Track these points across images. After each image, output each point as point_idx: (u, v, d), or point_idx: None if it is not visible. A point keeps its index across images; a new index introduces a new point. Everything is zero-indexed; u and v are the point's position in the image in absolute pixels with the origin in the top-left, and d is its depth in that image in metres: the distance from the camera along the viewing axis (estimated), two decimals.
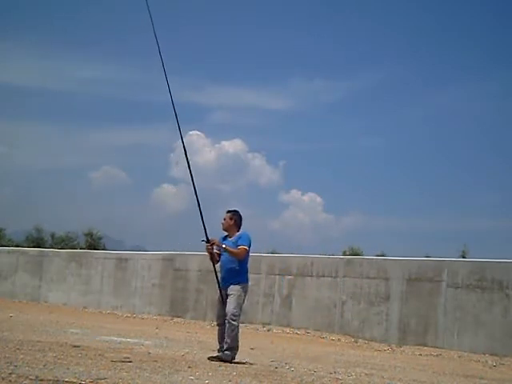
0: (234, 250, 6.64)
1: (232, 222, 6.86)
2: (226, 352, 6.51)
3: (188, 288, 13.26)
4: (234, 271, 6.71)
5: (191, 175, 6.67)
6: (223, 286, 6.74)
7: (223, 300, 6.71)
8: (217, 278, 6.73)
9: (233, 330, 6.59)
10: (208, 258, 6.85)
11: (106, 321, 11.71)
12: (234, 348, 6.59)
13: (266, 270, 12.16)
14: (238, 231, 6.87)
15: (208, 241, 6.65)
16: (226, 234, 6.87)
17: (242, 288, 6.68)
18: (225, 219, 6.89)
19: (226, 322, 6.56)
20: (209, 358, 6.47)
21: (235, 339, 6.61)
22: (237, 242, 6.74)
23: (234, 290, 6.64)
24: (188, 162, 6.68)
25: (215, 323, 6.90)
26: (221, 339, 6.67)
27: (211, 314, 12.78)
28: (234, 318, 6.65)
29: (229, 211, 6.98)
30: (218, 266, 6.85)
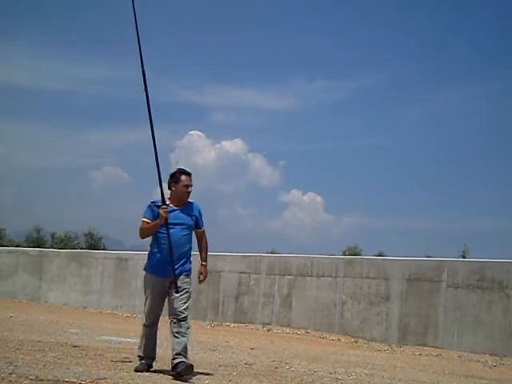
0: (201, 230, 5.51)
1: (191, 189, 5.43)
2: (185, 360, 5.08)
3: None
4: (188, 256, 5.37)
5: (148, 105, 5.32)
6: (166, 274, 5.15)
7: (167, 292, 5.24)
8: (172, 261, 5.13)
9: (187, 331, 5.22)
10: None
11: (106, 321, 11.71)
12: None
13: (265, 270, 12.17)
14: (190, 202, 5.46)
15: (164, 203, 5.18)
16: (159, 202, 5.22)
17: (191, 281, 5.36)
18: (191, 185, 5.39)
19: (175, 321, 5.16)
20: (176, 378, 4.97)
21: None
22: (192, 216, 5.37)
23: (186, 282, 5.28)
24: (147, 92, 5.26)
25: (145, 322, 5.41)
26: (153, 345, 5.37)
27: (211, 314, 12.79)
28: (187, 319, 5.25)
29: (186, 172, 5.43)
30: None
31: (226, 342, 8.77)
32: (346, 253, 28.18)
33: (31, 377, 4.45)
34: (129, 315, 13.63)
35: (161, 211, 5.15)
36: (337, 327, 11.07)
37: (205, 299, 12.98)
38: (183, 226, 5.30)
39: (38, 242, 28.92)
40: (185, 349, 5.14)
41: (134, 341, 7.93)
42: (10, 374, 4.50)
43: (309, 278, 11.63)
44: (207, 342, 8.51)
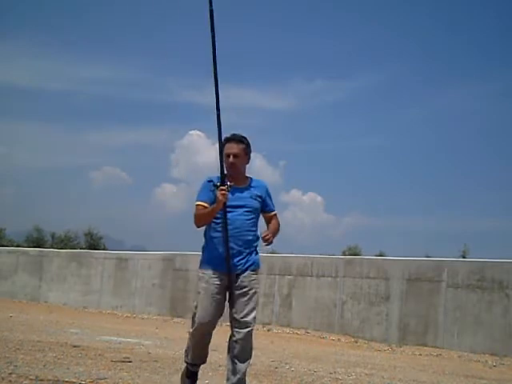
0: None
1: (245, 161, 4.15)
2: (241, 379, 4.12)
3: (188, 288, 13.25)
4: (253, 246, 4.11)
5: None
6: (226, 269, 3.99)
7: (227, 293, 4.05)
8: (228, 252, 3.97)
9: (250, 342, 4.17)
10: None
11: (106, 321, 11.71)
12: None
13: (266, 270, 12.16)
14: (247, 177, 4.19)
15: (223, 182, 3.94)
16: (214, 180, 4.03)
17: (258, 277, 4.17)
18: (236, 155, 4.04)
19: (235, 337, 4.10)
20: None
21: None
22: (257, 197, 4.13)
23: (253, 281, 4.06)
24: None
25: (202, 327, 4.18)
26: (204, 356, 4.45)
27: None
28: (252, 332, 4.14)
29: (234, 138, 4.10)
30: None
31: (226, 342, 8.76)
32: (346, 253, 28.20)
33: (31, 377, 4.45)
34: (129, 315, 13.64)
35: (218, 193, 3.91)
36: (337, 327, 11.07)
37: None
38: (245, 209, 4.05)
39: (38, 242, 28.92)
40: (242, 381, 4.07)
41: (134, 341, 7.94)
42: (10, 373, 4.51)
43: (309, 277, 11.63)
44: None
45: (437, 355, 9.18)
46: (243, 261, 4.04)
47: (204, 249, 4.18)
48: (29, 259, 16.78)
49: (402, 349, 9.76)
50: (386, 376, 6.30)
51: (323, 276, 11.46)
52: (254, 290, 4.07)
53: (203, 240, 4.22)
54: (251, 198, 4.10)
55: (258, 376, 5.50)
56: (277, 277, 12.03)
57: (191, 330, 4.26)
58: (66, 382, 4.42)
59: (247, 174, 4.23)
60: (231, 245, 3.98)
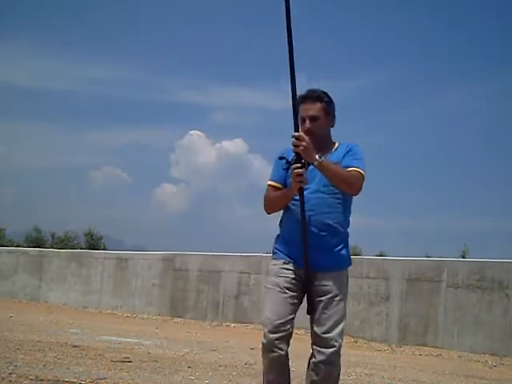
0: (343, 172, 3.02)
1: (328, 123, 3.18)
2: None
3: (188, 288, 13.26)
4: (338, 235, 3.09)
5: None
6: (306, 265, 3.02)
7: (306, 299, 3.13)
8: (305, 244, 2.99)
9: (336, 365, 3.11)
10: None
11: (106, 321, 11.72)
12: None
13: (266, 270, 12.16)
14: (333, 143, 3.21)
15: (299, 159, 2.91)
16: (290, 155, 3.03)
17: (347, 279, 3.17)
18: (313, 118, 3.10)
19: (316, 359, 3.05)
20: None
21: None
22: (341, 158, 3.11)
23: (340, 284, 3.09)
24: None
25: (267, 342, 3.02)
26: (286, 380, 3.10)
27: (211, 314, 12.78)
28: (339, 349, 3.08)
29: (311, 96, 3.15)
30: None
31: (226, 341, 8.77)
32: None
33: (31, 377, 4.45)
34: (129, 315, 13.64)
35: (293, 173, 2.92)
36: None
37: (205, 299, 12.98)
38: (324, 183, 3.03)
39: (37, 242, 28.91)
40: None
41: (134, 341, 7.94)
42: (10, 373, 4.51)
43: None
44: (207, 341, 8.51)
45: (437, 355, 9.18)
46: (325, 255, 3.03)
47: (277, 236, 3.29)
48: (29, 259, 16.77)
49: (402, 349, 9.76)
50: (385, 376, 6.30)
51: None
52: (339, 297, 3.06)
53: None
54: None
55: (258, 376, 5.50)
56: None
57: (262, 346, 3.04)
58: (66, 382, 4.42)
59: (334, 140, 3.22)
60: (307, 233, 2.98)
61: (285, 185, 3.15)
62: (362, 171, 3.06)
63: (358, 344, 10.18)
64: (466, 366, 8.12)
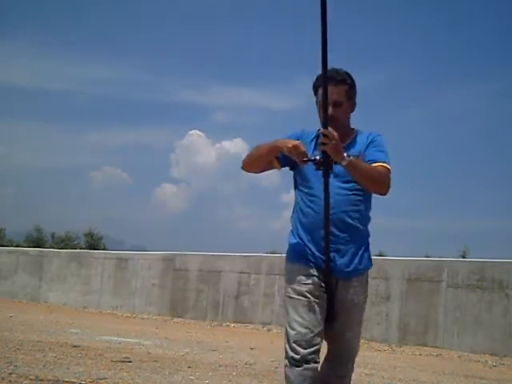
0: (372, 171, 2.72)
1: (349, 109, 2.86)
2: None
3: (188, 288, 13.26)
4: (359, 235, 2.81)
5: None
6: (328, 270, 2.74)
7: (325, 304, 2.78)
8: (327, 239, 2.69)
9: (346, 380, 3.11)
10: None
11: (106, 321, 11.71)
12: None
13: (266, 270, 12.17)
14: (352, 130, 2.89)
15: (327, 158, 2.59)
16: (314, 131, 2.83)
17: (367, 282, 2.90)
18: (336, 103, 2.76)
19: (336, 362, 2.98)
20: None
21: None
22: (364, 150, 2.80)
23: (359, 291, 2.83)
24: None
25: (295, 356, 2.70)
26: None
27: (211, 314, 12.79)
28: (353, 361, 3.07)
29: (334, 77, 2.76)
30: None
31: (226, 342, 8.77)
32: None
33: (31, 377, 4.45)
34: (129, 315, 13.64)
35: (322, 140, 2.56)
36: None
37: (205, 299, 12.98)
38: (344, 179, 2.74)
39: (37, 242, 28.91)
40: None
41: (134, 341, 7.94)
42: (10, 373, 4.51)
43: None
44: (207, 341, 8.50)
45: (437, 355, 9.18)
46: (346, 259, 2.76)
47: (290, 233, 2.91)
48: (29, 259, 16.77)
49: (401, 349, 9.76)
50: (385, 376, 6.30)
51: None
52: (360, 305, 2.82)
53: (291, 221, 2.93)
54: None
55: (257, 376, 5.50)
56: (277, 277, 12.02)
57: (286, 362, 2.75)
58: (66, 382, 4.42)
59: (352, 126, 2.91)
60: (322, 231, 2.71)
61: (281, 162, 2.87)
62: (388, 166, 2.77)
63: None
64: (466, 366, 8.11)
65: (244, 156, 2.94)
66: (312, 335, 2.71)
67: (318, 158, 2.64)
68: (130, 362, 5.70)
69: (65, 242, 29.96)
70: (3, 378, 4.29)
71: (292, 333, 2.73)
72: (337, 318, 2.80)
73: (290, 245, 2.89)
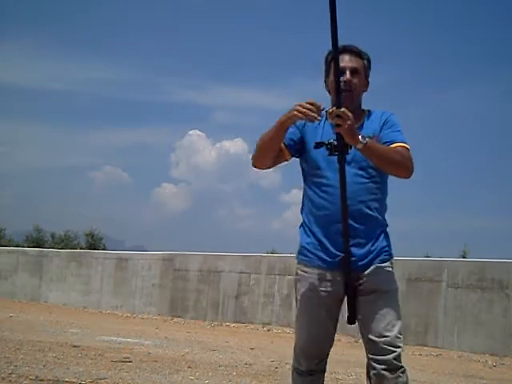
0: (392, 153, 2.51)
1: (364, 85, 2.66)
2: None
3: (188, 288, 13.26)
4: (377, 224, 2.61)
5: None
6: (338, 264, 2.55)
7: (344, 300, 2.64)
8: (346, 232, 2.50)
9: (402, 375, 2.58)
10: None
11: (106, 321, 11.71)
12: None
13: (266, 270, 12.17)
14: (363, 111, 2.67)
15: (341, 141, 2.40)
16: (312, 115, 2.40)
17: (393, 272, 2.64)
18: (354, 70, 2.58)
19: (378, 359, 2.52)
20: None
21: None
22: (378, 132, 2.59)
23: (387, 278, 2.60)
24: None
25: (302, 365, 2.73)
26: None
27: (211, 314, 12.78)
28: (400, 353, 2.57)
29: (351, 50, 2.62)
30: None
31: (226, 342, 8.77)
32: None
33: (31, 377, 4.46)
34: (129, 315, 13.64)
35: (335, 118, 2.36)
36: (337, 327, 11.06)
37: (205, 299, 12.98)
38: (360, 165, 2.54)
39: (37, 242, 28.89)
40: None
41: (134, 341, 7.94)
42: (10, 373, 4.51)
43: None
44: (207, 341, 8.50)
45: (437, 355, 9.18)
46: (365, 251, 2.55)
47: (302, 229, 2.68)
48: (29, 259, 16.77)
49: None
50: None
51: None
52: (389, 293, 2.57)
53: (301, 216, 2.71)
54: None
55: (257, 376, 5.50)
56: (277, 277, 12.02)
57: (292, 367, 2.75)
58: (66, 382, 4.42)
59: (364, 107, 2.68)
60: (340, 228, 2.49)
61: (289, 146, 2.63)
62: (408, 146, 2.56)
63: (358, 344, 10.17)
64: (466, 366, 8.11)
65: (252, 153, 2.66)
66: (319, 347, 2.66)
67: (331, 141, 2.44)
68: (130, 361, 5.70)
69: (65, 242, 29.93)
70: (3, 378, 4.29)
71: (299, 342, 2.67)
72: (365, 311, 2.56)
73: (302, 243, 2.66)
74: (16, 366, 4.89)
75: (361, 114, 2.64)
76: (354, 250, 2.54)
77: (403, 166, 2.54)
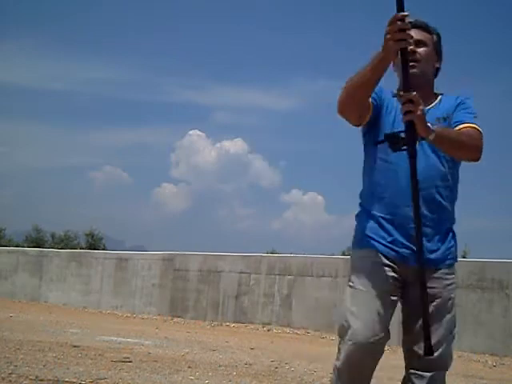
0: (455, 133, 2.23)
1: (433, 61, 2.41)
2: None
3: (188, 288, 13.26)
4: (447, 213, 2.33)
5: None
6: (409, 257, 2.24)
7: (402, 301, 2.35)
8: (417, 207, 2.10)
9: None
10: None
11: (106, 321, 11.71)
12: None
13: (265, 270, 12.17)
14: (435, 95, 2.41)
15: (412, 130, 2.04)
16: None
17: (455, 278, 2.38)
18: (420, 42, 2.34)
19: (419, 375, 2.33)
20: None
21: None
22: (452, 113, 2.32)
23: (450, 286, 2.33)
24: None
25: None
26: None
27: (211, 314, 12.78)
28: (447, 369, 2.36)
29: (419, 25, 2.38)
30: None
31: (226, 342, 8.77)
32: (346, 253, 28.19)
33: (31, 377, 4.45)
34: (129, 315, 13.64)
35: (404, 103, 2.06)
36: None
37: (205, 299, 12.98)
38: (432, 146, 2.23)
39: (37, 242, 28.89)
40: None
41: (134, 341, 7.94)
42: (10, 373, 4.51)
43: (309, 277, 11.62)
44: (207, 341, 8.50)
45: None
46: (432, 245, 2.27)
47: (360, 210, 2.42)
48: (29, 259, 16.77)
49: (401, 349, 9.76)
50: (386, 376, 6.30)
51: (323, 276, 11.46)
52: (451, 303, 2.31)
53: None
54: (436, 123, 2.24)
55: (257, 376, 5.50)
56: (277, 277, 12.03)
57: (338, 362, 2.32)
58: (66, 382, 4.42)
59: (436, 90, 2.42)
60: (408, 213, 2.17)
61: (377, 102, 2.30)
62: (479, 128, 2.27)
63: None
64: (466, 366, 8.11)
65: (338, 96, 2.24)
66: (377, 338, 2.22)
67: (397, 132, 2.15)
68: (130, 361, 5.70)
69: (65, 242, 29.94)
70: (3, 378, 4.29)
71: (350, 329, 2.23)
72: (419, 317, 2.21)
73: (360, 226, 2.36)
74: (16, 366, 4.89)
75: (431, 97, 2.38)
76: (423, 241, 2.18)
77: (471, 148, 2.24)
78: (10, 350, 5.88)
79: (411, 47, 2.18)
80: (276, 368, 6.21)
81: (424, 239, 2.16)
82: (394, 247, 2.27)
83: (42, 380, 4.39)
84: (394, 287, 2.28)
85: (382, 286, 2.26)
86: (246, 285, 12.42)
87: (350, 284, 2.38)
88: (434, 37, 2.42)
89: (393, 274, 2.27)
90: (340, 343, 2.30)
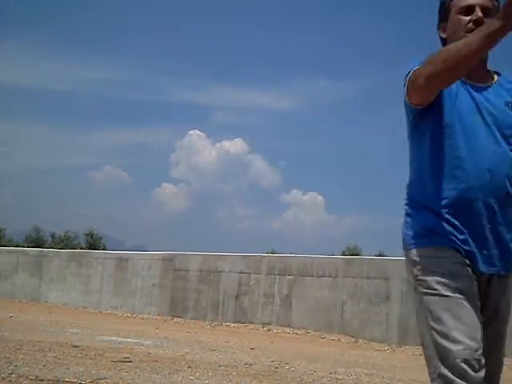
0: None
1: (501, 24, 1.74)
2: None
3: (188, 288, 13.26)
4: None
5: None
6: (494, 261, 1.90)
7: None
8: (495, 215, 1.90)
9: None
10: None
11: (106, 321, 11.71)
12: None
13: (265, 270, 12.17)
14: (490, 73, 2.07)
15: None
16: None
17: None
18: (488, 9, 1.96)
19: None
20: None
21: None
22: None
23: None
24: None
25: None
26: None
27: (211, 314, 12.78)
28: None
29: None
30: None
31: (226, 342, 8.77)
32: (346, 253, 28.20)
33: (31, 377, 4.45)
34: (129, 315, 13.64)
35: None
36: (337, 327, 11.06)
37: (205, 299, 12.98)
38: (504, 132, 1.95)
39: (37, 242, 28.90)
40: None
41: (134, 341, 7.94)
42: (10, 373, 4.51)
43: (309, 277, 11.62)
44: (207, 341, 8.50)
45: None
46: (505, 246, 1.94)
47: (413, 206, 2.04)
48: (29, 259, 16.77)
49: (401, 349, 9.76)
50: (385, 376, 6.30)
51: (323, 276, 11.46)
52: (508, 315, 2.04)
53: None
54: (506, 108, 1.98)
55: (257, 376, 5.51)
56: (277, 277, 12.03)
57: None
58: (66, 382, 4.42)
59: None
60: (479, 206, 1.89)
61: None
62: None
63: (358, 344, 10.18)
64: None
65: (424, 69, 1.86)
66: (481, 351, 1.83)
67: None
68: (130, 361, 5.70)
69: (65, 242, 29.96)
70: (3, 378, 4.29)
71: (453, 347, 1.83)
72: (489, 328, 1.94)
73: (421, 221, 1.99)
74: (16, 366, 4.89)
75: (487, 73, 2.08)
76: (493, 243, 1.92)
77: None
78: (10, 350, 5.88)
79: (479, 15, 1.97)
80: (276, 368, 6.21)
81: (493, 238, 1.91)
82: (471, 250, 1.92)
83: (42, 380, 4.39)
84: (477, 291, 1.93)
85: (470, 288, 1.91)
86: (245, 285, 12.42)
87: (431, 292, 1.96)
88: (496, 4, 2.05)
89: (473, 275, 1.93)
90: (437, 367, 1.86)
